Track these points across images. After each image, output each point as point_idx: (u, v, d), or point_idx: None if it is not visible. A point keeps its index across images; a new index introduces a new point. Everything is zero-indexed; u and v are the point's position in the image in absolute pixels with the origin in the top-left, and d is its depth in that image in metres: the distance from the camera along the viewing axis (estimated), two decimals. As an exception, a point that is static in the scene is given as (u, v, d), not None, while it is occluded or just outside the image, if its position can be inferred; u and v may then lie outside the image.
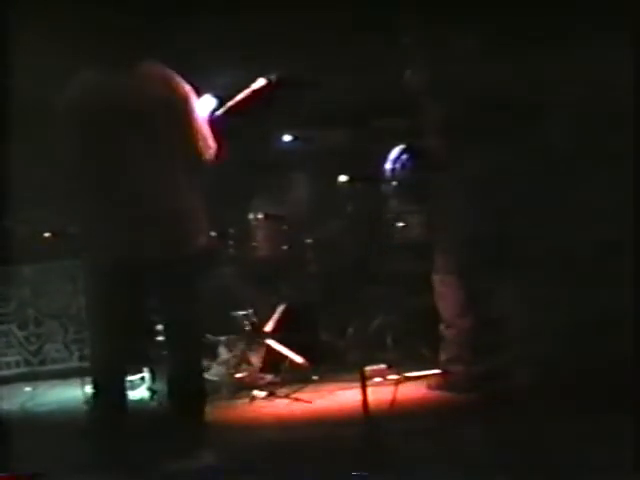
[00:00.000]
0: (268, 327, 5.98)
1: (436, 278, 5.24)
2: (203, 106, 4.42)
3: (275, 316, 6.03)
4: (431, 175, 5.27)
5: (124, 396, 4.15)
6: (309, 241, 6.35)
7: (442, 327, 5.22)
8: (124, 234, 4.01)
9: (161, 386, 5.43)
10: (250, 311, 6.04)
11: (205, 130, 4.22)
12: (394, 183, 6.23)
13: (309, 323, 6.17)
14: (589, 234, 4.89)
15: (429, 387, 5.26)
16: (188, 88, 4.18)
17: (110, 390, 4.08)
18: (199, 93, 4.34)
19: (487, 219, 5.04)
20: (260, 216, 6.25)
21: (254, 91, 4.97)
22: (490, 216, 5.03)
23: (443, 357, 5.24)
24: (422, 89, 5.19)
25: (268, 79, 4.95)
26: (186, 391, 4.13)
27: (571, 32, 4.97)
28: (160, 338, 5.81)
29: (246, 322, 5.99)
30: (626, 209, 4.53)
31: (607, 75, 4.87)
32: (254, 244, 6.22)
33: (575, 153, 5.04)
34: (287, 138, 6.67)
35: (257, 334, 5.93)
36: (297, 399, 5.21)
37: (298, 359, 5.78)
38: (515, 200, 5.00)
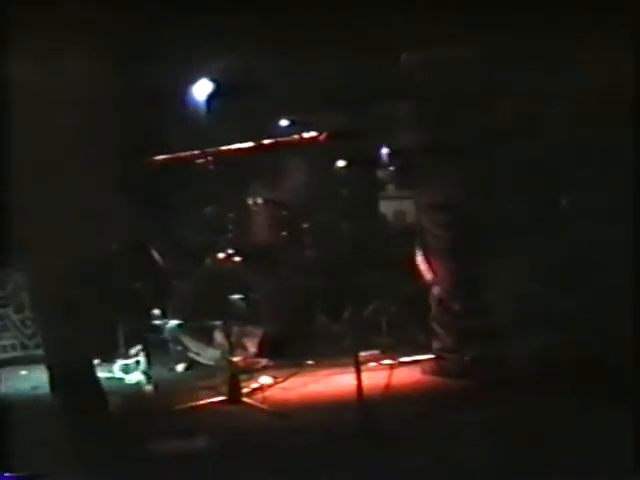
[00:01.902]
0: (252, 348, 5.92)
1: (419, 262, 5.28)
2: (199, 91, 4.36)
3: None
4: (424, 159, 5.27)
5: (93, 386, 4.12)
6: (306, 226, 6.36)
7: (431, 321, 5.25)
8: (49, 232, 3.94)
9: (155, 370, 5.49)
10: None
11: None
12: (391, 168, 6.26)
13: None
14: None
15: (423, 372, 5.27)
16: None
17: (73, 382, 4.08)
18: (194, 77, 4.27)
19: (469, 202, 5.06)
20: (260, 201, 6.26)
21: (301, 139, 4.91)
22: (473, 197, 5.05)
23: (435, 346, 5.26)
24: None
25: (318, 132, 4.87)
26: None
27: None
28: (156, 322, 5.89)
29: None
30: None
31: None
32: (253, 229, 6.23)
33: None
34: (284, 123, 6.67)
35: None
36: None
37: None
38: (500, 182, 5.02)
